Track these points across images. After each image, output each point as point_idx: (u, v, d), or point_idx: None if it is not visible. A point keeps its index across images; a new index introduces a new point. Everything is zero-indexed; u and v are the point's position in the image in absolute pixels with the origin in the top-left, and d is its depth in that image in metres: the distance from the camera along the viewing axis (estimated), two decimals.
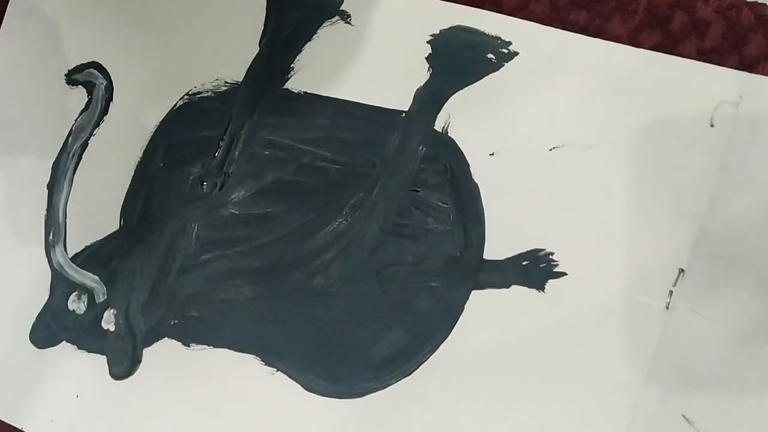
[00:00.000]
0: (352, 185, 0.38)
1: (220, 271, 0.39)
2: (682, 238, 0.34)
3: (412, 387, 0.36)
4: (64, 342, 0.41)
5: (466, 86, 0.38)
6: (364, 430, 0.37)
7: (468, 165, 0.37)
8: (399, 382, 0.36)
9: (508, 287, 0.36)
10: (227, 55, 0.40)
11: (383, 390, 0.37)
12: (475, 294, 0.36)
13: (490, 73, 0.37)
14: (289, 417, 0.38)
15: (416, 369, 0.36)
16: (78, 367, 0.41)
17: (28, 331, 0.41)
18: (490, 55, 0.37)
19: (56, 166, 0.42)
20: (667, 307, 0.34)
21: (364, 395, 0.37)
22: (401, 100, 0.38)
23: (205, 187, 0.40)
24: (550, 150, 0.36)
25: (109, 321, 0.41)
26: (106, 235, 0.41)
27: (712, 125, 0.34)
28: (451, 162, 0.37)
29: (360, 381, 0.37)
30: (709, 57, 0.35)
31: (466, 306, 0.36)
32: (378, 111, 0.38)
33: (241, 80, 0.40)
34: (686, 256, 0.34)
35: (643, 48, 0.36)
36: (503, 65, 0.37)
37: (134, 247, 0.41)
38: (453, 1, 0.38)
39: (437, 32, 0.38)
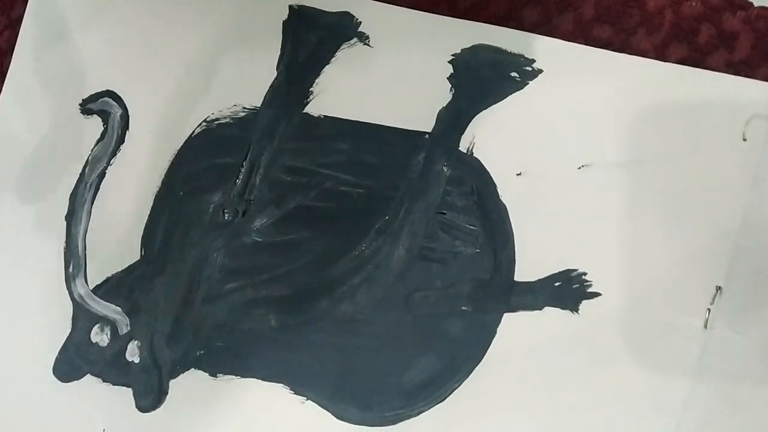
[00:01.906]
0: (376, 209, 0.38)
1: (245, 300, 0.39)
2: (718, 255, 0.33)
3: (445, 413, 0.36)
4: (88, 375, 0.40)
5: (490, 106, 0.37)
6: None
7: (495, 186, 0.36)
8: (431, 408, 0.36)
9: (540, 309, 0.35)
10: (244, 81, 0.40)
11: (416, 417, 0.36)
12: (507, 317, 0.36)
13: (514, 91, 0.37)
14: None
15: (449, 395, 0.36)
16: (103, 401, 0.40)
17: (52, 366, 0.41)
18: (513, 74, 0.37)
19: (74, 197, 0.42)
20: (706, 326, 0.33)
21: (397, 423, 0.36)
22: (424, 122, 0.38)
23: (226, 215, 0.39)
24: (579, 168, 0.36)
25: (133, 353, 0.40)
26: (126, 265, 0.41)
27: (744, 139, 0.34)
28: (478, 183, 0.37)
29: (392, 408, 0.36)
30: (739, 69, 0.35)
31: (498, 329, 0.36)
32: (400, 133, 0.38)
33: (259, 105, 0.40)
34: (723, 273, 0.33)
35: (670, 62, 0.35)
36: (527, 83, 0.37)
37: (156, 277, 0.40)
38: (474, 20, 0.37)
39: (458, 52, 0.37)
